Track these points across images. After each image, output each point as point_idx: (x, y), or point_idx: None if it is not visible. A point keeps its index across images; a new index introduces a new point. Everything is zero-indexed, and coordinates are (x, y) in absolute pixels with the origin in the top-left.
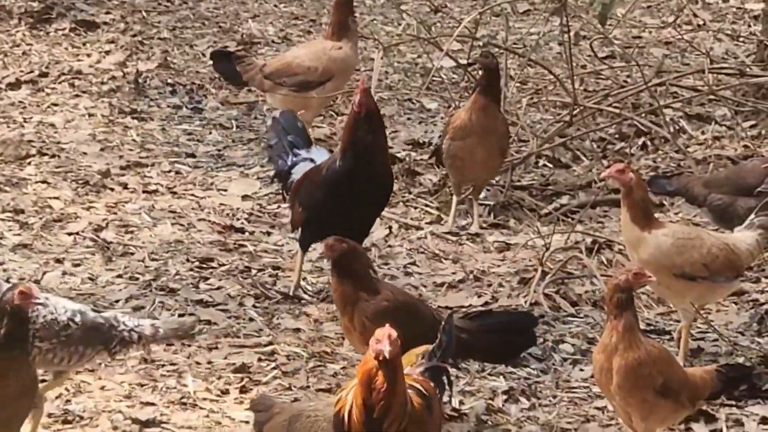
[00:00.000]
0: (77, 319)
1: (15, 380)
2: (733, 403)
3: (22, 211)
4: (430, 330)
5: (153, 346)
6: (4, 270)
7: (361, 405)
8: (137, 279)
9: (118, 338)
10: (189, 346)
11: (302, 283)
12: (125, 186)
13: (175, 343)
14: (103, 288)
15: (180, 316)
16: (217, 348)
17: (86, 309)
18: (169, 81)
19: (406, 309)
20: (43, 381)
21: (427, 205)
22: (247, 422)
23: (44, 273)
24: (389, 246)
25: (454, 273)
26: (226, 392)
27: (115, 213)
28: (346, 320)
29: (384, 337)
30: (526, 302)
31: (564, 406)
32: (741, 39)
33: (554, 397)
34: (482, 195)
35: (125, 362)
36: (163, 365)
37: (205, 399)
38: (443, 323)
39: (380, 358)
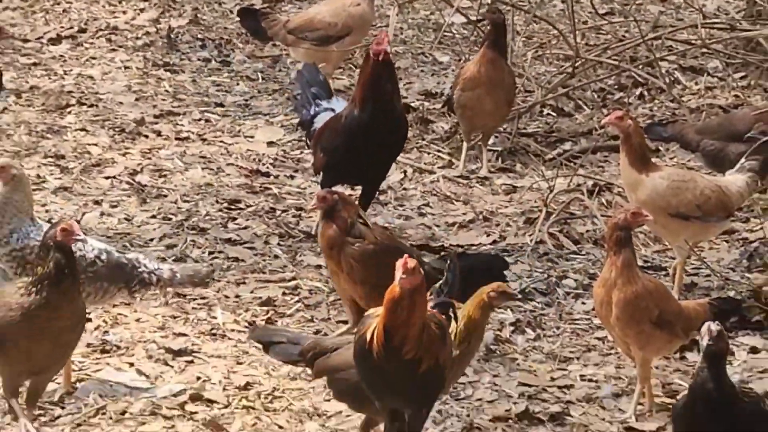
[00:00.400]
0: (103, 257)
1: (67, 312)
2: (727, 331)
3: (63, 157)
4: None
5: (170, 290)
6: (47, 211)
7: (382, 330)
8: (170, 219)
9: (138, 279)
10: (219, 281)
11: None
12: (159, 133)
13: (191, 288)
14: (138, 228)
15: (210, 254)
16: (244, 283)
17: (112, 249)
18: (199, 36)
19: (391, 252)
20: None
21: (439, 151)
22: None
23: (83, 214)
24: (404, 189)
25: (464, 213)
26: (252, 324)
27: (150, 158)
28: (333, 264)
29: (402, 266)
30: (531, 241)
31: (567, 336)
32: None
33: (558, 328)
34: (491, 141)
35: (159, 296)
36: (194, 299)
37: (233, 330)
38: (449, 262)
39: (403, 286)
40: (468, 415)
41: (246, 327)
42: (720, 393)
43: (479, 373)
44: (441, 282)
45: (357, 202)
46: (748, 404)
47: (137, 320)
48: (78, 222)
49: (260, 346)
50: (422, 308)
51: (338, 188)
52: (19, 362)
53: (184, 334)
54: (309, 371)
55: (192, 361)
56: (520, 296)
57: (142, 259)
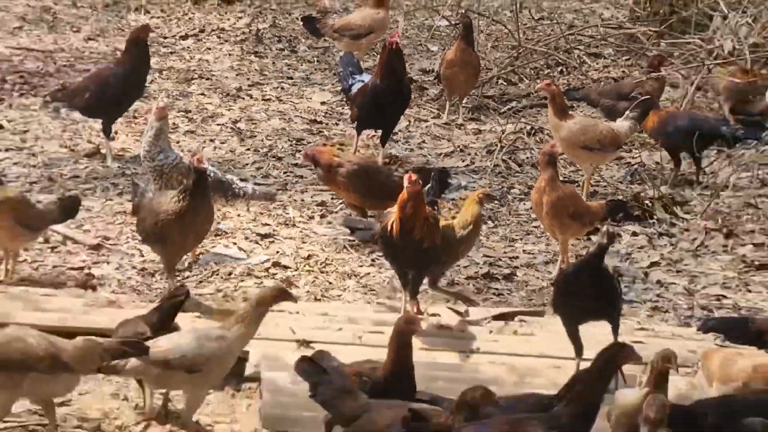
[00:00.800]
0: (211, 174)
1: (202, 212)
2: (615, 223)
3: (189, 111)
4: (385, 181)
5: (251, 201)
6: (180, 147)
7: (398, 221)
8: (258, 151)
9: (232, 192)
10: (290, 190)
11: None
12: (251, 96)
13: (266, 200)
14: (238, 157)
15: (284, 173)
16: (306, 191)
17: (218, 171)
18: (277, 34)
19: (369, 169)
20: None
21: (431, 107)
22: (324, 235)
23: (203, 148)
24: (409, 131)
25: (448, 147)
26: (312, 217)
27: (245, 112)
28: (332, 187)
29: (408, 179)
30: (491, 164)
31: (514, 225)
32: (620, 6)
33: (508, 220)
34: (464, 101)
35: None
36: (274, 201)
37: (299, 221)
38: (433, 172)
39: (409, 192)
40: (450, 275)
41: (308, 219)
42: (594, 265)
43: None
44: (428, 187)
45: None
46: (607, 275)
47: (238, 215)
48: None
49: (348, 230)
50: (422, 206)
51: (366, 131)
52: (174, 248)
53: (268, 224)
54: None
55: (273, 241)
56: (498, 198)
57: (235, 179)
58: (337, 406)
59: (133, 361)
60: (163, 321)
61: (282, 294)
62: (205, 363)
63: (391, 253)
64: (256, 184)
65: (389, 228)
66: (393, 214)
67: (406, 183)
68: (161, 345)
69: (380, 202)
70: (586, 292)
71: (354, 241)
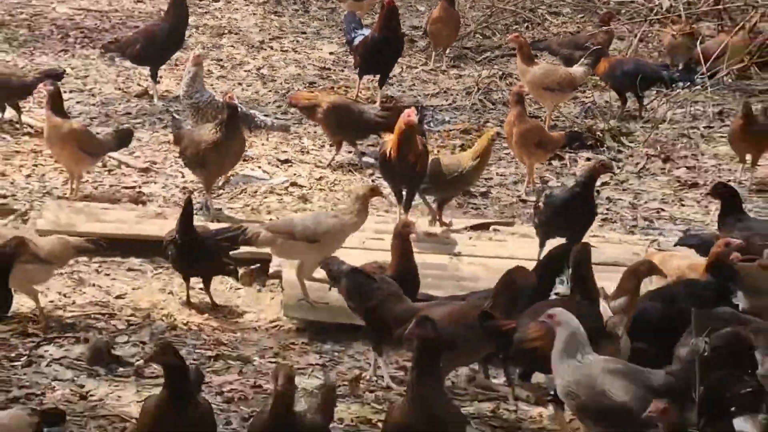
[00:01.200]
0: (239, 109)
1: (237, 141)
2: (573, 150)
3: (221, 59)
4: (357, 118)
5: (272, 132)
6: (213, 88)
7: (396, 147)
8: (278, 92)
9: (254, 123)
10: (304, 123)
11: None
12: (272, 47)
13: (282, 131)
14: (261, 97)
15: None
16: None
17: (243, 107)
18: None
19: (342, 107)
20: None
21: (420, 57)
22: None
23: (233, 90)
24: (401, 76)
25: (434, 89)
26: (323, 146)
27: (267, 61)
28: (313, 119)
29: (406, 114)
30: (470, 102)
31: None
32: None
33: None
34: (447, 51)
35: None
36: (292, 134)
37: (312, 149)
38: (419, 108)
39: (405, 125)
40: None
41: (320, 147)
42: (586, 191)
43: None
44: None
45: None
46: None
47: (262, 144)
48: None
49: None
50: (415, 135)
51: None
52: (212, 171)
53: (286, 151)
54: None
55: (291, 165)
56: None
57: (257, 114)
58: (392, 309)
59: (264, 234)
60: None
61: (375, 190)
62: (322, 236)
63: (389, 174)
64: (275, 118)
65: (388, 154)
66: (390, 142)
67: (405, 117)
68: (289, 220)
69: (354, 137)
70: (575, 214)
71: (358, 165)
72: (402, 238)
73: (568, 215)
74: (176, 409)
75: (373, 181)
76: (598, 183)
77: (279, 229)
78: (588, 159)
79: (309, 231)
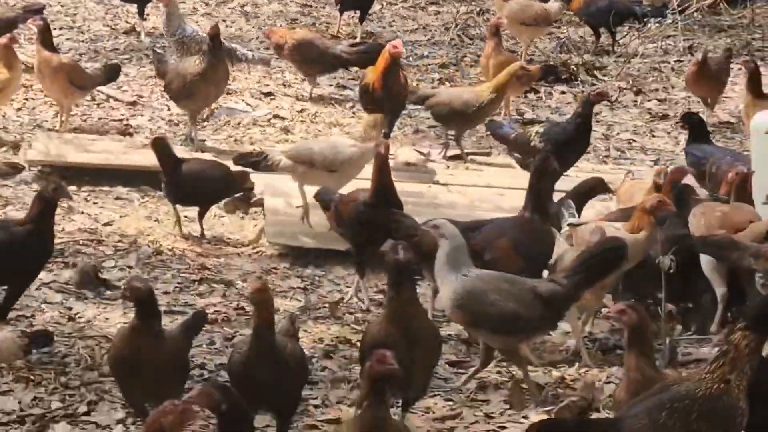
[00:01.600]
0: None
1: (221, 71)
2: (548, 84)
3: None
4: (325, 53)
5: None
6: (198, 24)
7: (381, 78)
8: (260, 29)
9: (235, 57)
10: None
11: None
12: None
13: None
14: (245, 33)
15: None
16: None
17: (224, 40)
18: None
19: (307, 44)
20: None
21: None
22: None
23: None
24: (381, 13)
25: (413, 25)
26: (304, 80)
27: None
28: (281, 57)
29: (393, 45)
30: (449, 38)
31: (466, 86)
32: None
33: (462, 82)
34: None
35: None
36: (273, 67)
37: (294, 82)
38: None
39: (391, 55)
40: (416, 125)
41: (301, 81)
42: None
43: None
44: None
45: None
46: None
47: (245, 78)
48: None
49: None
50: (399, 65)
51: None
52: (199, 103)
53: (269, 85)
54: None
55: (273, 98)
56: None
57: (238, 47)
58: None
59: (284, 161)
60: None
61: (379, 121)
62: (341, 165)
63: (372, 103)
64: (257, 52)
65: (371, 83)
66: (371, 74)
67: (391, 48)
68: (309, 148)
69: (321, 72)
70: (578, 146)
71: (340, 97)
72: (380, 158)
73: (571, 148)
74: (144, 337)
75: (354, 113)
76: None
77: (299, 157)
78: (563, 92)
79: (328, 161)
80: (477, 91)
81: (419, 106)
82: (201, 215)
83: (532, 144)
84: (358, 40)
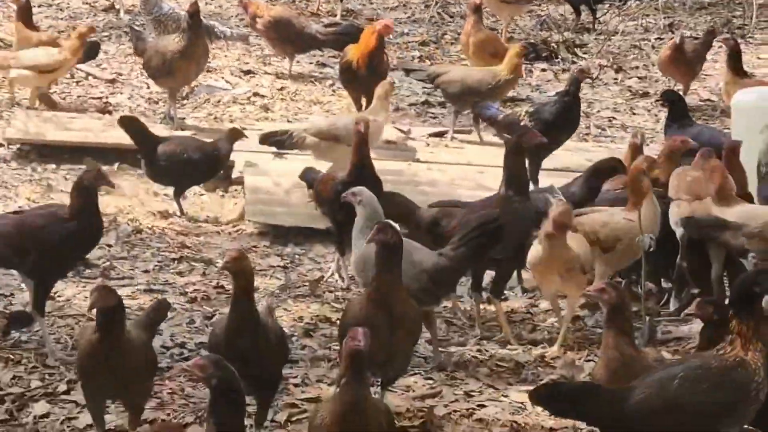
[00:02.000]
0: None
1: (201, 46)
2: (528, 62)
3: None
4: (300, 32)
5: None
6: (177, 1)
7: (367, 56)
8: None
9: (214, 34)
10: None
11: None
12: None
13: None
14: (224, 11)
15: None
16: None
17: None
18: None
19: (282, 22)
20: None
21: None
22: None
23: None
24: None
25: (393, 2)
26: (285, 58)
27: None
28: (255, 31)
29: (383, 23)
30: (428, 16)
31: (447, 63)
32: None
33: (442, 60)
34: None
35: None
36: (253, 45)
37: (275, 60)
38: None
39: (377, 34)
40: (396, 103)
41: (281, 59)
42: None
43: None
44: None
45: None
46: None
47: (225, 56)
48: None
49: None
50: (383, 41)
51: None
52: (179, 80)
53: (248, 62)
54: None
55: (253, 76)
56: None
57: (217, 24)
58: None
59: (309, 138)
60: None
61: (389, 90)
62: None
63: (353, 80)
64: (236, 30)
65: (355, 60)
66: (353, 52)
67: (377, 26)
68: (331, 124)
69: (295, 50)
70: (567, 123)
71: (320, 75)
72: (359, 136)
73: (561, 126)
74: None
75: (333, 91)
76: (551, 92)
77: (324, 134)
78: (543, 70)
79: (352, 135)
80: (493, 70)
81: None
82: (177, 195)
83: (522, 123)
84: (338, 18)
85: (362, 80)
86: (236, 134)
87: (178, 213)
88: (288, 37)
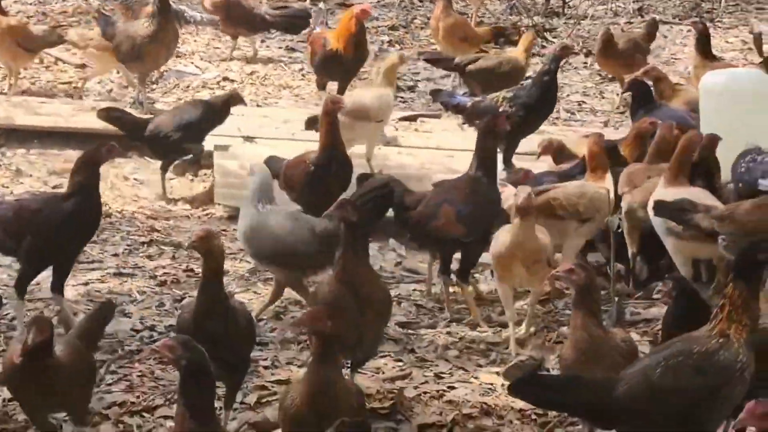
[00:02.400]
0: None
1: (170, 31)
2: (498, 46)
3: None
4: (248, 14)
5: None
6: None
7: (351, 40)
8: None
9: (183, 19)
10: None
11: None
12: None
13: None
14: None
15: None
16: None
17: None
18: None
19: (236, 2)
20: None
21: None
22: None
23: None
24: None
25: None
26: (254, 42)
27: None
28: (206, 11)
29: (362, 9)
30: (399, 0)
31: (417, 48)
32: None
33: (412, 44)
34: None
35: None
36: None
37: (245, 44)
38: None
39: (355, 18)
40: None
41: (251, 43)
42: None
43: None
44: None
45: None
46: None
47: (194, 41)
48: None
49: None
50: (363, 25)
51: None
52: (149, 64)
53: (218, 47)
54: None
55: (223, 60)
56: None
57: (186, 9)
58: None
59: (342, 119)
60: None
61: (402, 58)
62: (384, 113)
63: (340, 68)
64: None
65: (342, 49)
66: (335, 40)
67: (355, 10)
68: (358, 104)
69: (241, 33)
70: (548, 104)
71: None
72: (331, 114)
73: (540, 109)
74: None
75: (303, 75)
76: None
77: (356, 112)
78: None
79: (381, 112)
80: (507, 56)
81: None
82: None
83: (501, 110)
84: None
85: (348, 66)
86: (236, 99)
87: (162, 193)
88: (238, 17)
